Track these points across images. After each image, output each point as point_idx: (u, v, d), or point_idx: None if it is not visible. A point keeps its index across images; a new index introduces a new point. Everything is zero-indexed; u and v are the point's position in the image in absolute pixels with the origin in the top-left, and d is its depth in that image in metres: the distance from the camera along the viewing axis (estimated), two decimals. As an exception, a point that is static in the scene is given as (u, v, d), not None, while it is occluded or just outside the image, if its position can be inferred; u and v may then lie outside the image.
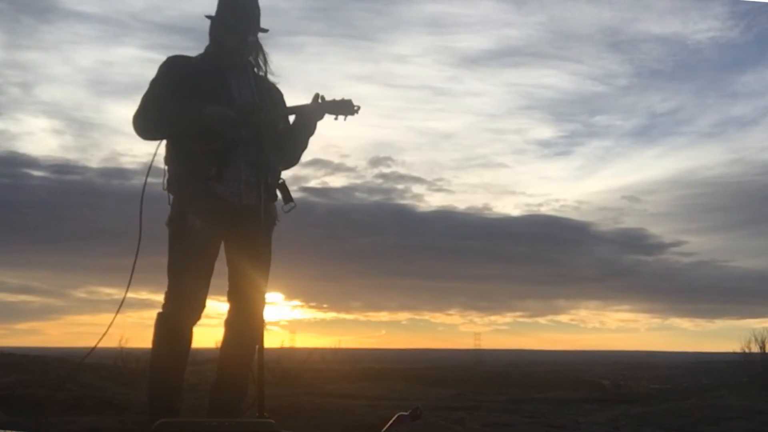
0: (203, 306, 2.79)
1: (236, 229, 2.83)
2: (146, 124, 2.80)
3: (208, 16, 2.88)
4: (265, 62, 2.98)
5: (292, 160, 3.03)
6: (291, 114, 2.95)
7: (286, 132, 2.95)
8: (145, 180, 2.83)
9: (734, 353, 10.08)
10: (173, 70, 2.84)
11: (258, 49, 2.95)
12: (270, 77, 3.02)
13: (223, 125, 2.73)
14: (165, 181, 2.84)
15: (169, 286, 2.77)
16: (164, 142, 2.85)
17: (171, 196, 2.83)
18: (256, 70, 2.95)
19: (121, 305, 2.81)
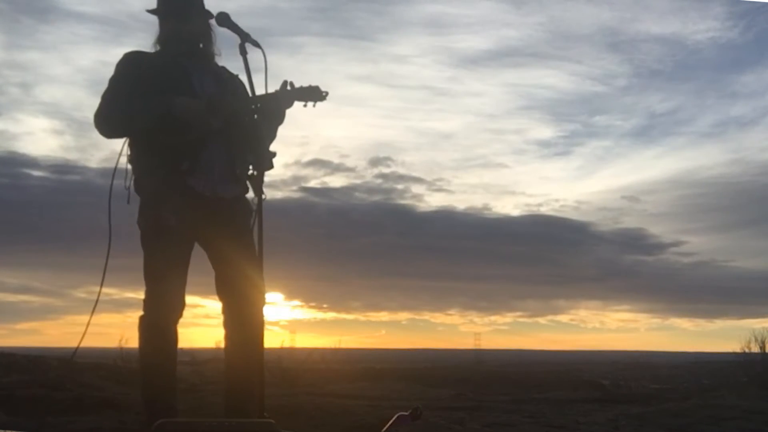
0: (184, 304, 2.76)
1: (215, 224, 2.77)
2: (110, 123, 2.75)
3: (148, 10, 2.84)
4: (212, 45, 2.88)
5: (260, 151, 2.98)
6: (259, 103, 2.81)
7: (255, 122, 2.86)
8: (112, 179, 2.77)
9: (734, 353, 10.11)
10: (132, 67, 2.78)
11: (208, 36, 2.88)
12: (219, 61, 2.92)
13: (192, 117, 2.68)
14: (131, 182, 2.77)
15: (148, 288, 2.72)
16: (124, 140, 2.79)
17: (135, 195, 2.77)
18: (216, 60, 2.91)
19: (95, 307, 2.82)
